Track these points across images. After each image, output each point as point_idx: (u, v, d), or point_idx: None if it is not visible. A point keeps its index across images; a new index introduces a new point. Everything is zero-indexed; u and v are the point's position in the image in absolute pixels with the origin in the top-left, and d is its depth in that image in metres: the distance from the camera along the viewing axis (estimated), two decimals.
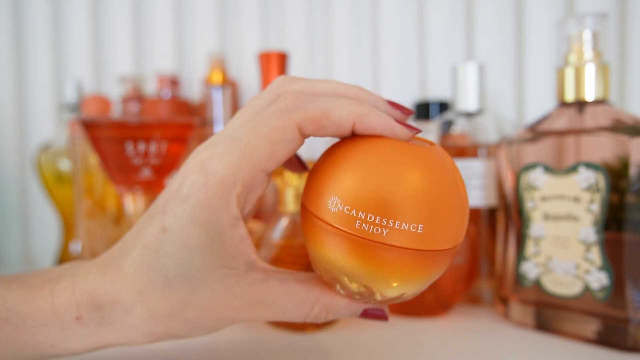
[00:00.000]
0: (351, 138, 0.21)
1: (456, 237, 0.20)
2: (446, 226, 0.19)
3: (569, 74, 0.34)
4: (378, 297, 0.21)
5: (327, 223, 0.19)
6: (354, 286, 0.20)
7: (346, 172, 0.19)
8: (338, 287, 0.21)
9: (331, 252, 0.19)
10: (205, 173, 0.19)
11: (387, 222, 0.18)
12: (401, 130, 0.20)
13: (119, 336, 0.21)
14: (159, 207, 0.20)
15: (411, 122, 0.37)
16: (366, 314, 0.22)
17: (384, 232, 0.18)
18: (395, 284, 0.20)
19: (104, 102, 0.55)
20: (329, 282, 0.21)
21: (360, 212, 0.18)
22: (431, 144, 0.21)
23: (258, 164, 0.19)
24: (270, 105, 0.20)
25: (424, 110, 0.54)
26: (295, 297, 0.21)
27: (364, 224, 0.18)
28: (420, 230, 0.19)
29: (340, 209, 0.19)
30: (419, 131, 0.21)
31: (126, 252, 0.21)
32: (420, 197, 0.19)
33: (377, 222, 0.18)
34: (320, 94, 0.21)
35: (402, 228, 0.18)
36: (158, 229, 0.20)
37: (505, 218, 0.38)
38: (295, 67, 0.62)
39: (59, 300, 0.21)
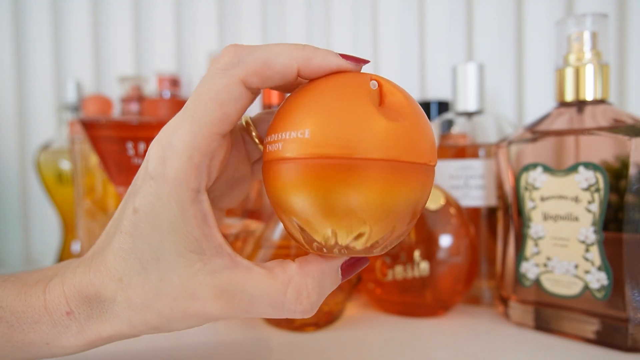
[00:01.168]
0: (298, 89, 0.20)
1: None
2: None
3: (569, 74, 0.34)
4: (369, 235, 0.19)
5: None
6: (348, 229, 0.19)
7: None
8: (315, 243, 0.19)
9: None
10: (162, 147, 0.19)
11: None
12: (349, 63, 0.20)
13: (107, 328, 0.21)
14: (132, 190, 0.20)
15: None
16: (346, 269, 0.21)
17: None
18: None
19: (104, 102, 0.55)
20: (303, 238, 0.20)
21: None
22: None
23: (211, 128, 0.19)
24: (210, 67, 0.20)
25: (424, 110, 0.54)
26: (262, 282, 0.19)
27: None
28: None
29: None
30: (367, 61, 0.21)
31: (106, 242, 0.21)
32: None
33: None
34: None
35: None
36: (130, 211, 0.19)
37: (505, 218, 0.38)
38: None
39: (50, 296, 0.21)
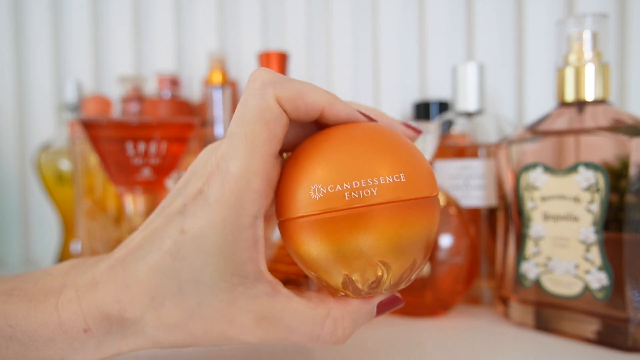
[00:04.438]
0: (302, 143, 0.21)
1: (433, 184, 0.20)
2: (423, 173, 0.20)
3: (569, 74, 0.34)
4: (390, 275, 0.20)
5: (316, 214, 0.19)
6: (366, 274, 0.19)
7: (314, 160, 0.19)
8: (349, 289, 0.20)
9: (329, 241, 0.19)
10: (221, 172, 0.19)
11: (373, 181, 0.18)
12: (362, 117, 0.21)
13: (128, 343, 0.21)
14: (176, 209, 0.20)
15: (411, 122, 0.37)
16: (381, 307, 0.22)
17: (374, 192, 0.18)
18: (402, 247, 0.19)
19: (104, 102, 0.55)
20: (334, 288, 0.21)
21: (345, 184, 0.18)
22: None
23: (263, 149, 0.19)
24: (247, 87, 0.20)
25: (424, 110, 0.54)
26: (301, 313, 0.20)
27: (353, 193, 0.18)
28: (404, 178, 0.19)
29: (324, 191, 0.18)
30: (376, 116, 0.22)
31: (138, 257, 0.20)
32: (395, 149, 0.19)
33: (363, 184, 0.18)
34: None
35: (388, 181, 0.18)
36: (177, 231, 0.19)
37: (505, 218, 0.38)
38: (295, 67, 0.62)
39: (64, 313, 0.20)
